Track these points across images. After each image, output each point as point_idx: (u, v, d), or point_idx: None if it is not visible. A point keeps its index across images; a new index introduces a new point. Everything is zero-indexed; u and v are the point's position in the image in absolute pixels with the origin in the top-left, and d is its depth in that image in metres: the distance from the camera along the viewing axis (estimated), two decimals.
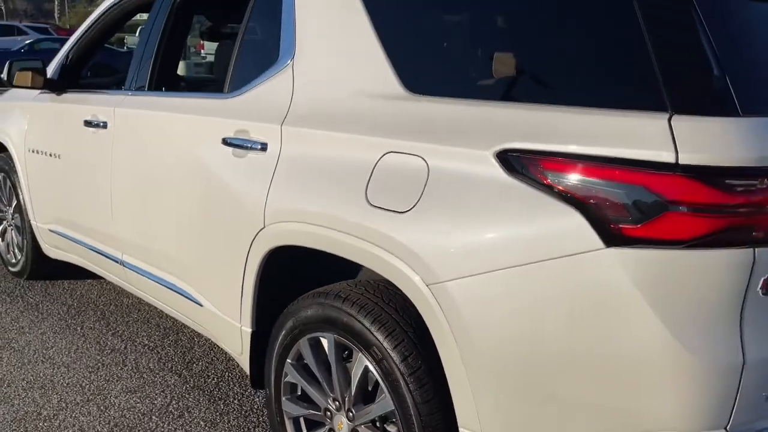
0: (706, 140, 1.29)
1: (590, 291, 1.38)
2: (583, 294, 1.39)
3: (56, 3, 61.37)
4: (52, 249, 3.67)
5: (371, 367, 1.79)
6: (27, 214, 3.76)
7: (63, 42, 16.38)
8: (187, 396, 2.80)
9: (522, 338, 1.48)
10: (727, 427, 1.38)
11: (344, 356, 1.92)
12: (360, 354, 1.82)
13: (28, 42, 20.38)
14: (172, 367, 3.04)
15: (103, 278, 3.94)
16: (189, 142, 2.41)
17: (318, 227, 1.87)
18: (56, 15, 57.93)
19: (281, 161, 2.01)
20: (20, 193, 3.78)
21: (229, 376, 2.98)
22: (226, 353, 3.20)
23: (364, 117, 1.83)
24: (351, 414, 1.90)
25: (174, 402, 2.75)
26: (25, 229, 3.85)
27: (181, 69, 4.09)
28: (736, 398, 1.36)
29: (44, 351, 3.18)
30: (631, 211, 1.33)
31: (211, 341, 3.34)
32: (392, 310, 1.76)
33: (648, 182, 1.31)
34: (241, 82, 2.27)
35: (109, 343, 3.28)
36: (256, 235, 2.07)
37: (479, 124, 1.57)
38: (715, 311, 1.33)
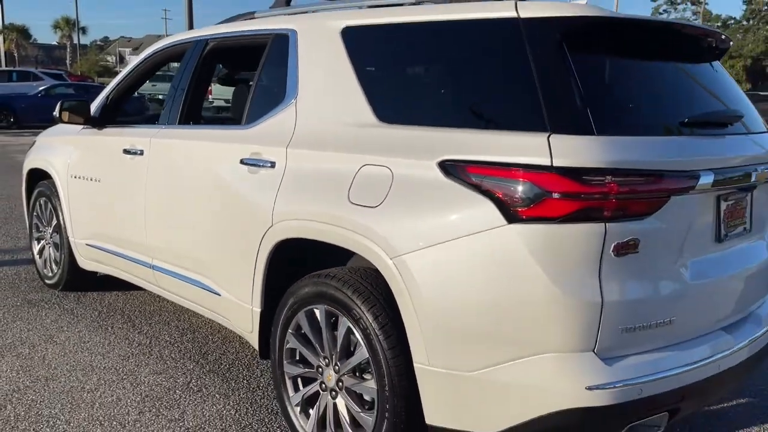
0: (571, 150, 1.92)
1: (498, 255, 1.99)
2: (494, 257, 2.00)
3: (68, 51, 63.25)
4: (88, 261, 4.27)
5: (352, 327, 2.38)
6: (66, 232, 4.37)
7: (76, 87, 17.26)
8: (204, 377, 3.37)
9: (455, 292, 2.08)
10: (594, 350, 1.97)
11: (332, 323, 2.51)
12: (343, 318, 2.41)
13: (43, 87, 21.35)
14: (190, 357, 3.61)
15: (128, 289, 4.55)
16: (213, 163, 3.05)
17: (314, 222, 2.49)
18: (68, 62, 59.69)
19: (286, 174, 2.64)
20: (60, 214, 4.40)
21: (238, 363, 3.55)
22: (235, 346, 3.78)
23: (348, 140, 2.47)
24: (337, 367, 2.48)
25: (193, 381, 3.32)
26: (63, 245, 4.46)
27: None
28: (599, 329, 1.95)
29: (82, 344, 3.75)
30: (523, 198, 1.95)
31: (223, 337, 3.92)
32: (367, 284, 2.36)
33: (534, 179, 1.93)
34: (255, 116, 2.92)
35: (136, 339, 3.85)
36: (266, 232, 2.69)
37: (426, 143, 2.20)
38: (581, 267, 1.94)
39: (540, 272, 1.94)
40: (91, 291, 4.65)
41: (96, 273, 4.48)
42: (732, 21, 67.44)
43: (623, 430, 2.07)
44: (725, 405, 3.21)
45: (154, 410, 3.02)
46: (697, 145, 2.19)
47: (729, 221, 2.33)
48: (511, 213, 1.97)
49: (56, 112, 3.97)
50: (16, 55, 56.77)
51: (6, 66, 44.27)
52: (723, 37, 2.53)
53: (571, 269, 1.94)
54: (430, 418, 2.20)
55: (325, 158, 2.53)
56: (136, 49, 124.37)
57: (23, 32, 59.21)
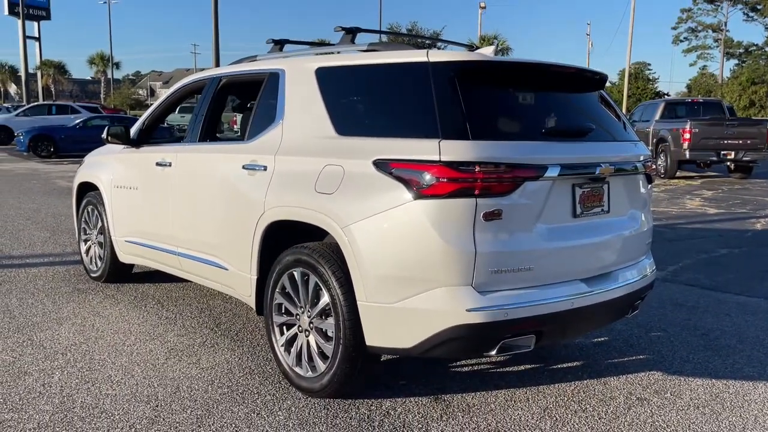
0: (452, 150, 2.86)
1: (408, 221, 2.92)
2: (405, 223, 2.93)
3: (102, 85, 66.00)
4: (126, 255, 5.29)
5: (318, 282, 3.32)
6: (109, 232, 5.40)
7: (110, 119, 18.83)
8: (216, 338, 4.32)
9: (381, 249, 3.01)
10: (472, 285, 2.88)
11: (305, 281, 3.45)
12: (313, 276, 3.35)
13: (81, 120, 22.87)
14: (206, 325, 4.58)
15: (158, 281, 5.54)
16: (222, 169, 4.05)
17: (292, 207, 3.46)
18: (102, 96, 62.31)
19: (274, 174, 3.62)
20: (105, 217, 5.44)
21: (244, 329, 4.50)
22: (242, 319, 4.73)
23: (317, 148, 3.44)
24: (309, 313, 3.42)
25: (208, 340, 4.28)
26: (106, 243, 5.49)
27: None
28: (474, 269, 2.87)
29: (122, 317, 4.74)
30: (422, 182, 2.88)
31: (233, 313, 4.87)
32: (328, 251, 3.30)
33: (429, 169, 2.87)
34: (254, 133, 3.91)
35: (164, 314, 4.83)
36: (259, 218, 3.66)
37: (366, 148, 3.16)
38: (461, 227, 2.86)
39: (434, 232, 2.88)
40: (128, 282, 5.66)
41: (132, 267, 5.50)
42: (754, 47, 67.97)
43: (497, 345, 2.97)
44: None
45: (177, 357, 3.98)
46: (548, 147, 3.11)
47: (586, 203, 3.25)
48: (415, 192, 2.91)
49: (104, 135, 5.03)
50: (53, 89, 59.54)
51: (44, 100, 46.74)
52: (588, 72, 3.50)
53: (455, 230, 2.87)
54: (369, 340, 3.12)
55: (300, 162, 3.51)
56: (167, 83, 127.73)
57: (60, 68, 62.04)
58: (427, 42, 49.72)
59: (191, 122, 4.61)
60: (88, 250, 5.86)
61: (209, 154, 4.30)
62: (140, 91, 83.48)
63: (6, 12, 50.01)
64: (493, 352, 3.00)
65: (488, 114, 3.09)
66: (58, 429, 3.06)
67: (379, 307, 3.05)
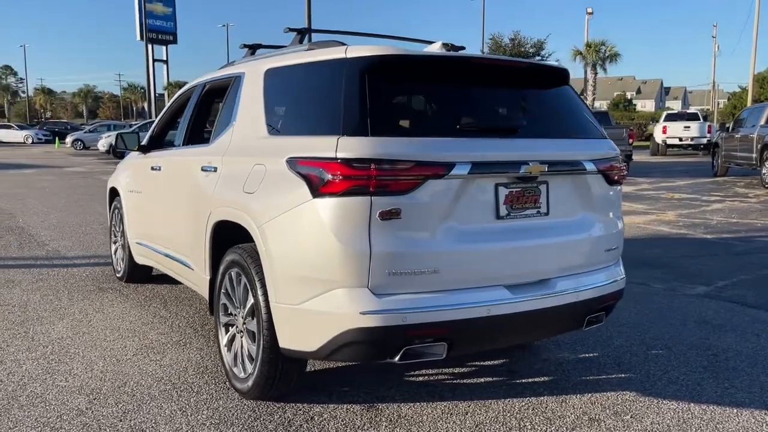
0: (349, 146, 2.75)
1: (308, 221, 2.84)
2: (306, 223, 2.85)
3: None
4: (138, 256, 5.53)
5: (247, 282, 3.30)
6: (125, 234, 5.68)
7: None
8: (193, 338, 4.41)
9: (287, 248, 2.95)
10: (368, 287, 2.75)
11: (239, 281, 3.44)
12: (243, 276, 3.34)
13: None
14: (192, 326, 4.68)
15: (169, 282, 5.74)
16: (188, 171, 4.15)
17: (226, 207, 3.48)
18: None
19: (221, 176, 3.66)
20: (123, 221, 5.73)
21: None
22: None
23: (251, 149, 3.44)
24: (242, 312, 3.42)
25: (185, 339, 4.37)
26: (125, 245, 5.77)
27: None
28: (369, 270, 2.74)
29: (121, 315, 4.96)
30: (320, 180, 2.80)
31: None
32: (255, 251, 3.27)
33: (326, 166, 2.78)
34: (214, 136, 3.98)
35: (161, 314, 4.99)
36: (208, 217, 3.70)
37: (284, 147, 3.11)
38: (356, 227, 2.74)
39: (330, 232, 2.78)
40: (149, 283, 5.92)
41: (152, 269, 5.74)
42: None
43: (400, 351, 2.81)
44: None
45: (144, 354, 4.10)
46: (457, 144, 2.92)
47: (514, 204, 3.02)
48: (314, 190, 2.83)
49: (114, 142, 5.30)
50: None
51: None
52: (526, 66, 3.26)
53: (350, 229, 2.76)
54: (281, 342, 3.06)
55: (238, 162, 3.52)
56: None
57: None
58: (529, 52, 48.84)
59: (179, 127, 4.76)
60: (115, 252, 6.18)
61: (183, 157, 4.41)
62: None
63: (138, 38, 54.37)
64: (396, 359, 2.84)
65: (396, 110, 2.96)
66: (2, 417, 3.23)
67: (286, 308, 2.99)
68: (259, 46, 4.37)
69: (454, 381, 3.74)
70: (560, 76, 3.43)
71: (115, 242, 6.21)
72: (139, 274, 5.84)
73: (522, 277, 3.06)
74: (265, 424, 3.15)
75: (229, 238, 3.65)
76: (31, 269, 6.56)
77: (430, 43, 3.93)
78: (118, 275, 6.08)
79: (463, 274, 2.90)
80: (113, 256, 6.25)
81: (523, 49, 52.15)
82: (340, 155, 2.76)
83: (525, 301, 3.00)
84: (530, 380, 3.75)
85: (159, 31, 55.45)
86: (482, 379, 3.76)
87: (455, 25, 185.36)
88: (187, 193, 4.12)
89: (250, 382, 3.29)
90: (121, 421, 3.18)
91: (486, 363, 4.03)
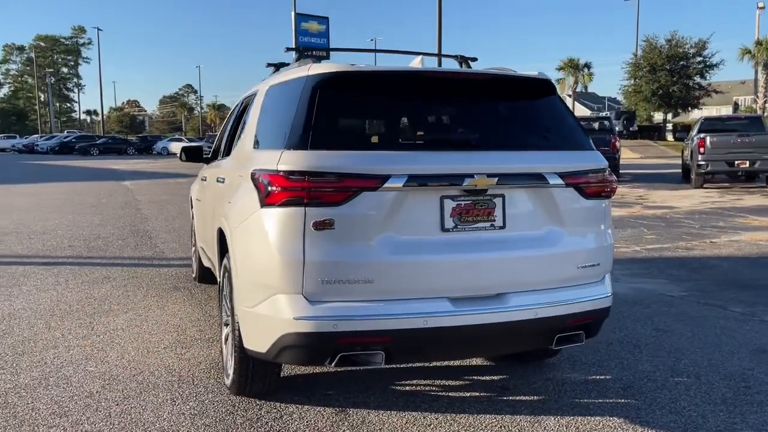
0: (288, 159, 2.89)
1: (257, 230, 3.02)
2: (255, 231, 3.03)
3: None
4: (203, 258, 6.02)
5: (230, 285, 3.56)
6: (194, 238, 6.21)
7: None
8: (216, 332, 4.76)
9: (244, 254, 3.15)
10: (303, 293, 2.87)
11: (228, 284, 3.70)
12: (226, 279, 3.60)
13: None
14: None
15: None
16: (213, 181, 4.50)
17: (221, 216, 3.76)
18: None
19: (224, 186, 3.95)
20: (193, 226, 6.27)
21: None
22: None
23: (240, 161, 3.69)
24: (229, 312, 3.67)
25: (216, 336, 4.73)
26: (195, 249, 6.31)
27: None
28: (303, 278, 2.86)
29: (174, 312, 5.44)
30: (265, 191, 2.97)
31: None
32: None
33: (268, 178, 2.94)
34: (232, 150, 4.30)
35: (211, 313, 5.41)
36: (213, 224, 4.01)
37: (253, 160, 3.32)
38: (292, 236, 2.87)
39: (270, 240, 2.94)
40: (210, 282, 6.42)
41: None
42: None
43: (335, 357, 2.90)
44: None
45: (174, 347, 4.49)
46: (392, 157, 2.93)
47: (463, 216, 2.99)
48: (261, 201, 3.01)
49: (179, 154, 5.85)
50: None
51: None
52: (486, 78, 3.20)
53: (287, 238, 2.89)
54: (245, 342, 3.26)
55: (232, 174, 3.79)
56: None
57: None
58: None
59: (224, 140, 5.15)
60: (193, 254, 6.77)
61: (214, 169, 4.79)
62: None
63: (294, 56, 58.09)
64: (333, 365, 2.93)
65: (341, 124, 3.05)
66: (25, 393, 3.73)
67: (245, 310, 3.19)
68: (283, 64, 4.63)
69: (439, 393, 3.73)
70: (533, 86, 3.32)
71: (193, 245, 6.79)
72: (207, 276, 6.35)
73: (470, 290, 3.02)
74: (235, 419, 3.37)
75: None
76: (131, 267, 7.34)
77: (450, 56, 3.97)
78: (193, 276, 6.64)
79: (400, 284, 2.92)
80: (192, 258, 6.84)
81: (681, 50, 48.71)
82: (280, 168, 2.92)
83: (468, 314, 2.96)
84: (517, 398, 3.64)
85: (313, 48, 58.76)
86: (468, 393, 3.72)
87: (607, 27, 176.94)
88: (211, 203, 4.48)
89: (230, 380, 3.53)
90: (117, 405, 3.55)
91: (482, 378, 3.97)
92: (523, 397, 3.65)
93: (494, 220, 3.06)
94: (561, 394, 3.69)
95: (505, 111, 3.33)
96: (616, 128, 45.27)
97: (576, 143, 3.33)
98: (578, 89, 61.48)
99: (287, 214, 2.89)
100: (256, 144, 3.58)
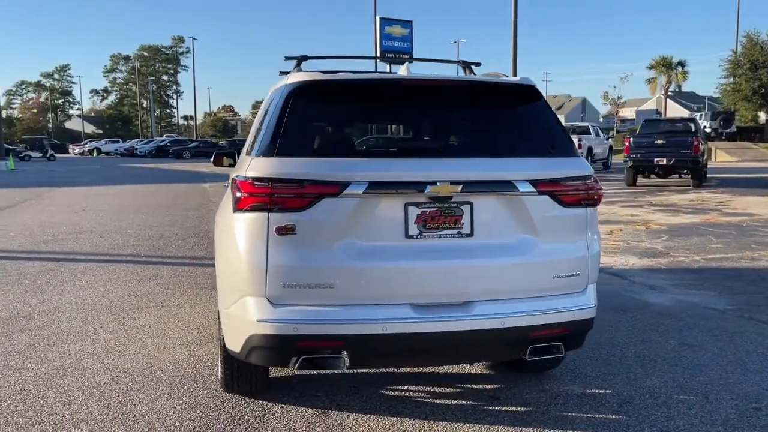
0: (255, 166, 2.98)
1: (230, 233, 3.13)
2: (229, 235, 3.15)
3: None
4: None
5: None
6: None
7: None
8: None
9: (221, 255, 3.28)
10: (266, 296, 2.96)
11: None
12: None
13: None
14: None
15: None
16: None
17: (214, 223, 3.91)
18: None
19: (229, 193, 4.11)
20: None
21: None
22: None
23: (236, 166, 3.83)
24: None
25: None
26: None
27: None
28: (266, 282, 2.94)
29: (203, 311, 5.67)
30: (236, 196, 3.07)
31: None
32: None
33: (239, 184, 3.05)
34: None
35: None
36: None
37: (239, 166, 3.44)
38: (257, 241, 2.96)
39: (237, 243, 3.04)
40: None
41: None
42: None
43: (297, 359, 2.96)
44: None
45: (190, 344, 4.70)
46: (353, 164, 2.96)
47: (428, 224, 2.99)
48: (234, 206, 3.12)
49: (211, 159, 6.09)
50: None
51: None
52: (456, 84, 3.18)
53: (252, 242, 2.99)
54: (226, 343, 3.38)
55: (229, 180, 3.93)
56: (559, 108, 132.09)
57: None
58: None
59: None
60: None
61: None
62: None
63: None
64: (295, 367, 3.00)
65: (306, 132, 3.11)
66: (42, 382, 4.02)
67: (223, 312, 3.31)
68: (305, 57, 4.62)
69: (426, 399, 3.72)
70: (513, 92, 3.27)
71: None
72: None
73: (435, 297, 3.01)
74: (220, 415, 3.50)
75: None
76: (180, 266, 7.70)
77: (453, 62, 3.96)
78: None
79: (362, 290, 2.95)
80: None
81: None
82: (248, 174, 3.02)
83: (430, 322, 2.95)
84: (504, 409, 3.58)
85: (397, 52, 59.17)
86: (456, 401, 3.69)
87: (706, 23, 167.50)
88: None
89: (220, 376, 3.67)
90: (118, 396, 3.76)
91: (476, 386, 3.93)
92: (510, 408, 3.59)
93: (461, 228, 3.03)
94: (551, 407, 3.60)
95: (480, 118, 3.29)
96: (710, 129, 42.98)
97: (557, 150, 3.25)
98: (672, 88, 58.72)
99: (253, 219, 2.99)
100: (247, 150, 3.70)
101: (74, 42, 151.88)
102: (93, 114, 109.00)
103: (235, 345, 3.22)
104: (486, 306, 3.03)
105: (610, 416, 3.48)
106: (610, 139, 32.87)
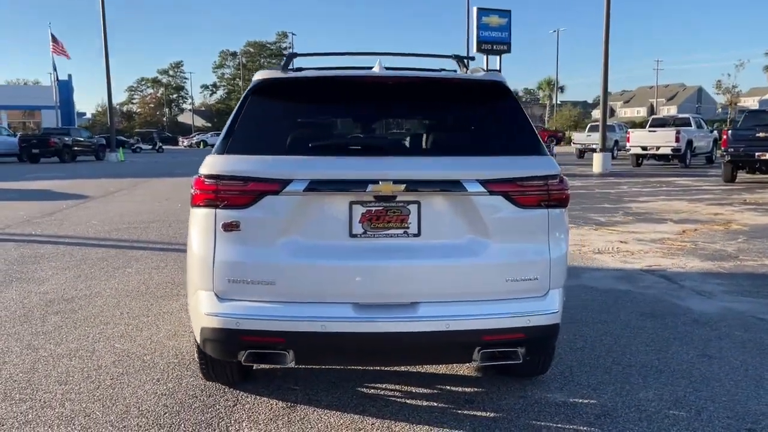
0: (208, 164, 3.05)
1: (190, 227, 3.22)
2: (189, 228, 3.24)
3: (547, 108, 70.11)
4: None
5: None
6: None
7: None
8: None
9: (187, 249, 3.38)
10: (213, 291, 3.03)
11: None
12: None
13: None
14: None
15: None
16: None
17: None
18: (546, 118, 66.22)
19: None
20: None
21: None
22: None
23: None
24: None
25: None
26: None
27: None
28: (213, 276, 3.01)
29: None
30: (191, 192, 3.15)
31: None
32: None
33: (194, 181, 3.13)
34: None
35: None
36: None
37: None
38: (206, 236, 3.02)
39: (192, 239, 3.13)
40: None
41: None
42: None
43: (243, 353, 3.02)
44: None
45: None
46: (295, 162, 2.94)
47: (373, 223, 2.95)
48: (190, 201, 3.21)
49: None
50: None
51: None
52: (416, 81, 3.09)
53: (202, 237, 3.07)
54: (195, 334, 3.50)
55: None
56: (627, 102, 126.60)
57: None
58: None
59: None
60: None
61: None
62: (594, 112, 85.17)
63: (474, 50, 58.10)
64: (242, 360, 3.06)
65: (256, 130, 3.13)
66: (52, 361, 4.32)
67: (188, 304, 3.42)
68: (295, 55, 4.64)
69: (398, 399, 3.68)
70: (475, 89, 3.14)
71: None
72: None
73: (378, 297, 2.97)
74: (194, 402, 3.62)
75: None
76: None
77: (446, 56, 3.90)
78: None
79: (302, 287, 2.96)
80: None
81: None
82: (201, 171, 3.10)
83: (370, 322, 2.91)
84: (473, 413, 3.49)
85: (494, 42, 58.14)
86: (427, 403, 3.63)
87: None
88: None
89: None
90: (111, 379, 3.98)
91: (455, 388, 3.84)
92: (478, 413, 3.49)
93: (408, 228, 2.98)
94: (521, 415, 3.47)
95: (439, 116, 3.19)
96: None
97: (520, 148, 3.11)
98: None
99: (203, 214, 3.07)
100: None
101: (187, 40, 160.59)
102: (203, 108, 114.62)
103: (196, 336, 3.32)
104: (431, 308, 2.96)
105: (582, 428, 3.31)
106: (715, 132, 30.82)
